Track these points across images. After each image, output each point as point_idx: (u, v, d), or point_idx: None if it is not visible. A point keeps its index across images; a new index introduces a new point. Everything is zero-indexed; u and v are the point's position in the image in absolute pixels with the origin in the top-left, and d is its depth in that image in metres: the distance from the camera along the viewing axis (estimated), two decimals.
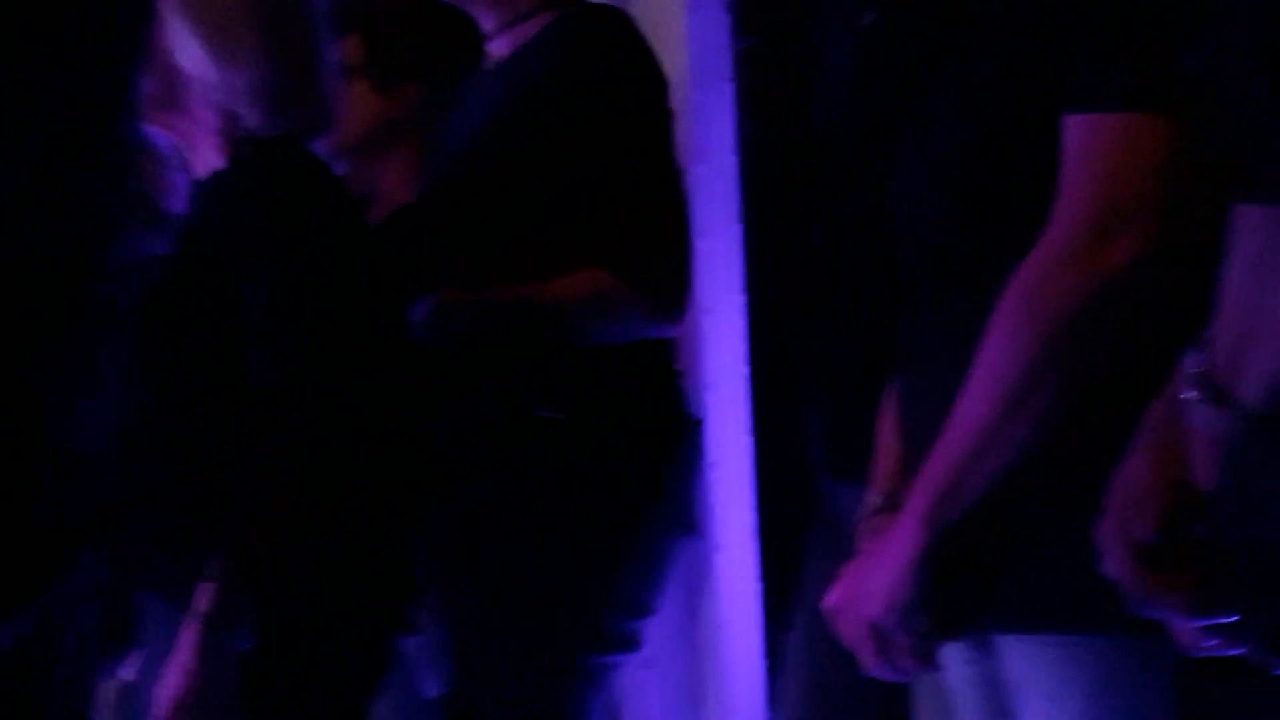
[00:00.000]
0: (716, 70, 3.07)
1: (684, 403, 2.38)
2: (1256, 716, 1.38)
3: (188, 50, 1.98)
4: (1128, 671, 1.41)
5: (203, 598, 1.81)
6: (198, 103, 1.98)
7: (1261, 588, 1.07)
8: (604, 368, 2.13)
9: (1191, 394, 1.15)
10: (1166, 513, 1.22)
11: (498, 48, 2.23)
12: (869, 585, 1.49)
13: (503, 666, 2.12)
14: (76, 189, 1.14)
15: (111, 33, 1.13)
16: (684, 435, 2.29)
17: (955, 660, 1.56)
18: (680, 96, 3.10)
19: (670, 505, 2.23)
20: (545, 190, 2.08)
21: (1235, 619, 1.18)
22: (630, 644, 2.19)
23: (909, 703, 2.01)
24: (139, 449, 1.89)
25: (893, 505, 1.58)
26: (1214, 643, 1.24)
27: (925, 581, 1.44)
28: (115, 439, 1.53)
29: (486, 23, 2.23)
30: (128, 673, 2.03)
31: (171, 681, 1.79)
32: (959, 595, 1.46)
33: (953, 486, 1.45)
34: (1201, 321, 1.14)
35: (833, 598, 1.56)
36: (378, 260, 1.96)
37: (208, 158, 2.01)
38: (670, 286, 2.12)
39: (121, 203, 1.17)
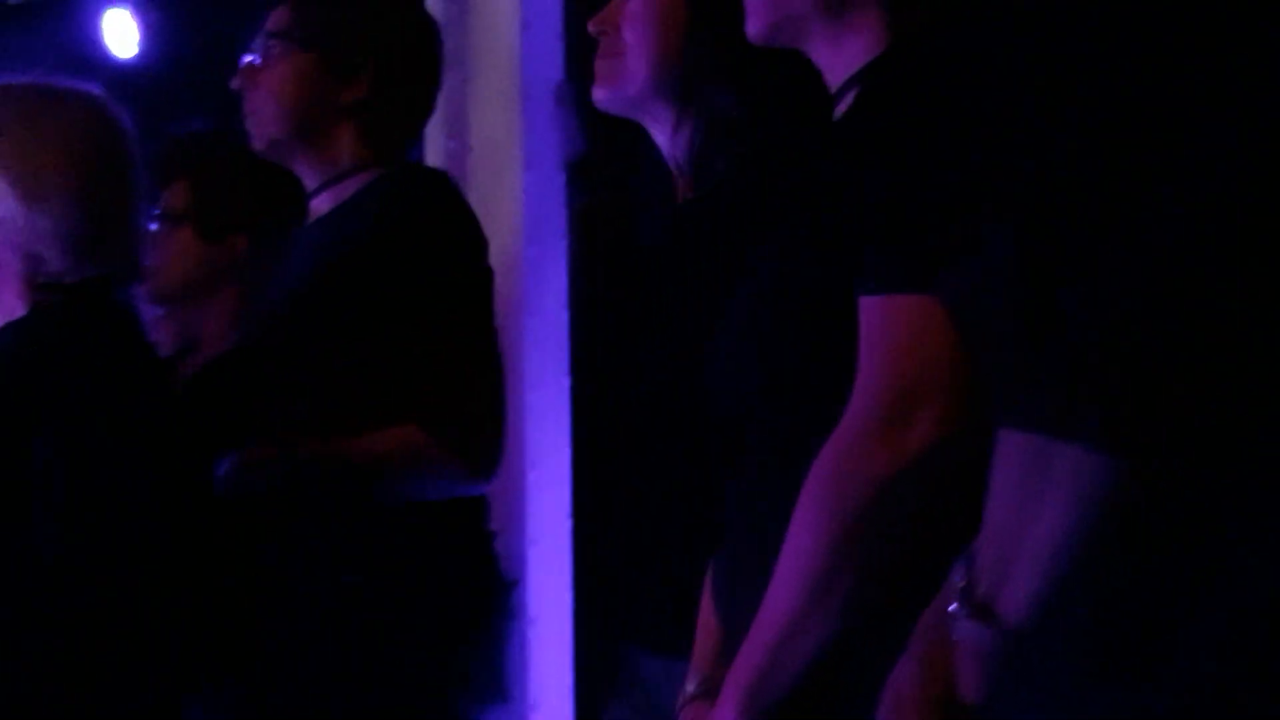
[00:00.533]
0: (551, 226, 3.11)
1: (495, 564, 2.36)
2: None
3: None
4: None
5: None
6: (1, 245, 1.94)
7: None
8: (412, 527, 2.12)
9: (955, 607, 1.16)
10: None
11: (319, 205, 2.24)
12: None
13: None
14: None
15: None
16: (494, 598, 2.27)
17: None
18: (514, 251, 3.14)
19: (479, 672, 2.21)
20: (359, 346, 2.08)
21: None
22: None
23: None
24: None
25: (710, 691, 1.58)
26: None
27: None
28: None
29: (309, 180, 2.24)
30: None
31: None
32: None
33: (767, 672, 1.46)
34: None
35: None
36: (179, 416, 1.94)
37: (9, 303, 1.96)
38: (482, 444, 2.12)
39: None
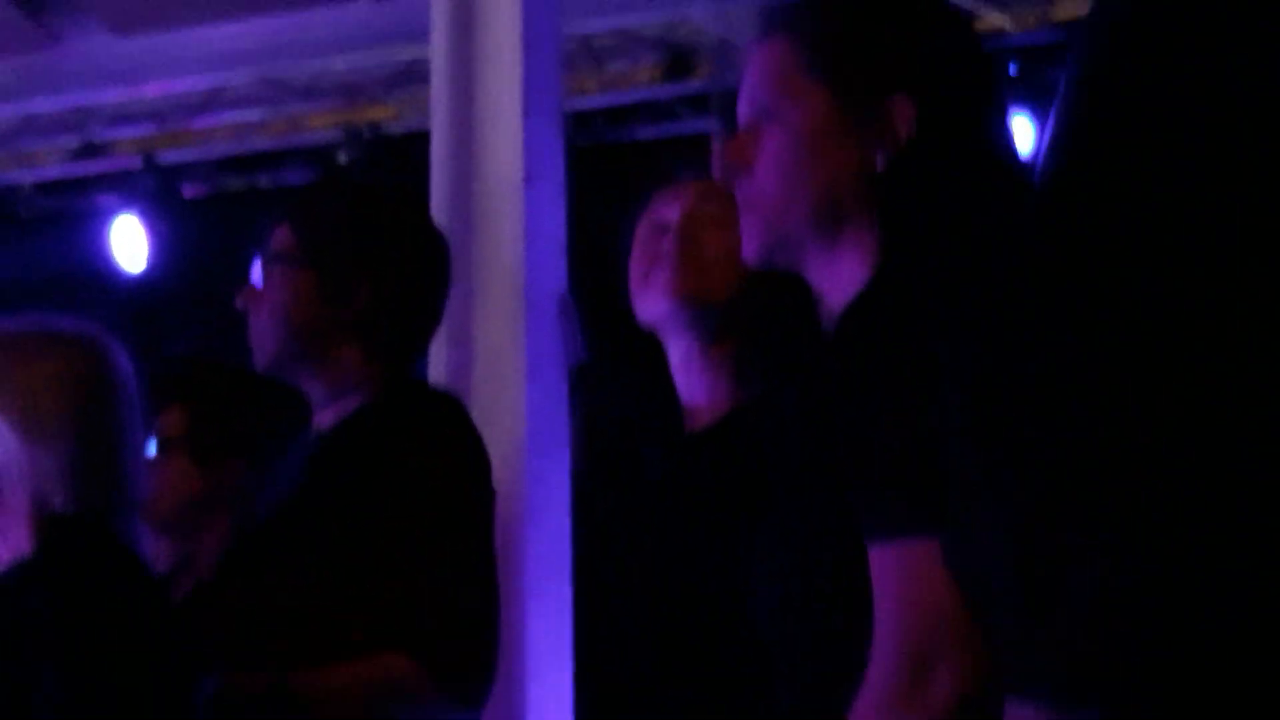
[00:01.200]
0: (554, 437, 3.12)
1: None
2: None
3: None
4: None
5: None
6: (8, 486, 1.96)
7: None
8: None
9: None
10: None
11: (323, 419, 2.23)
12: None
13: None
14: None
15: None
16: None
17: None
18: (516, 462, 3.15)
19: None
20: (350, 567, 2.05)
21: None
22: None
23: None
24: None
25: None
26: None
27: None
28: None
29: (314, 395, 2.24)
30: None
31: None
32: None
33: None
34: None
35: None
36: (176, 646, 1.92)
37: (16, 539, 1.99)
38: (472, 675, 2.07)
39: None
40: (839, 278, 1.63)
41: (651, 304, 2.16)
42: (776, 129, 1.65)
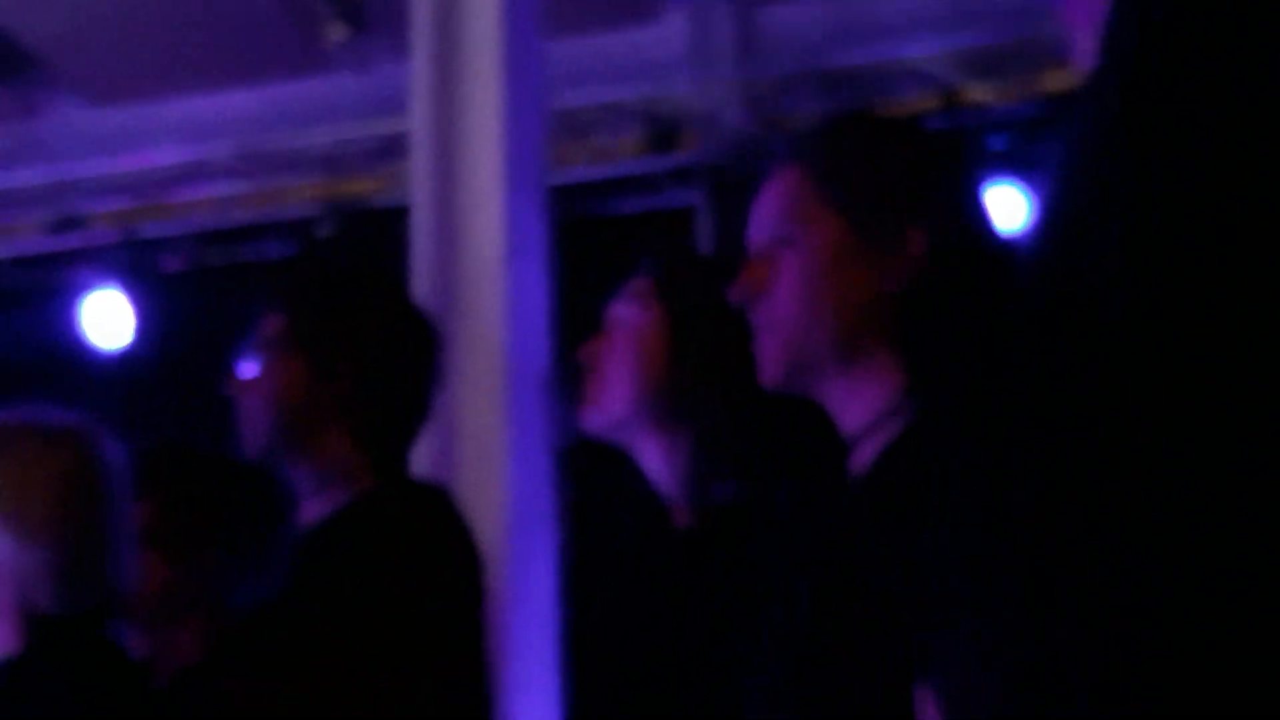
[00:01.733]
0: (538, 517, 3.07)
1: None
2: None
3: None
4: None
5: None
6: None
7: None
8: None
9: None
10: None
11: (310, 511, 2.17)
12: None
13: None
14: None
15: None
16: None
17: None
18: (501, 543, 3.09)
19: None
20: (331, 666, 1.99)
21: None
22: None
23: None
24: None
25: None
26: None
27: None
28: None
29: (302, 482, 2.18)
30: None
31: None
32: None
33: None
34: None
35: None
36: None
37: (4, 636, 1.95)
38: None
39: None
40: (857, 403, 1.66)
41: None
42: (793, 255, 1.70)
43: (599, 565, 2.30)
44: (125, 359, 5.21)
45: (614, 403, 2.06)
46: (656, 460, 2.05)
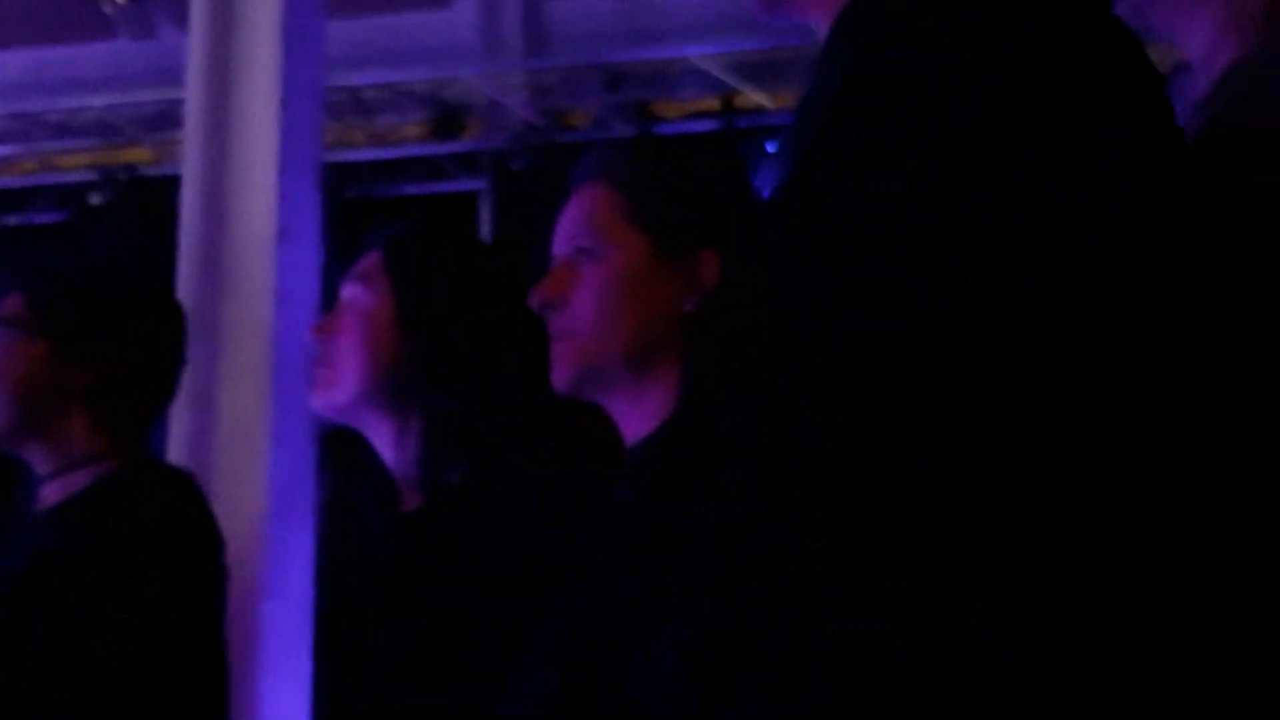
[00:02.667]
0: (297, 506, 3.03)
1: None
2: None
3: None
4: None
5: None
6: None
7: None
8: None
9: None
10: None
11: (49, 494, 2.12)
12: None
13: None
14: None
15: None
16: None
17: None
18: (258, 531, 3.05)
19: None
20: (69, 656, 1.94)
21: None
22: None
23: None
24: None
25: None
26: None
27: None
28: None
29: (39, 465, 2.13)
30: None
31: None
32: None
33: None
34: None
35: None
36: None
37: None
38: None
39: None
40: (641, 415, 1.71)
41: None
42: (595, 268, 1.76)
43: (338, 549, 2.28)
44: None
45: (342, 386, 2.04)
46: (387, 443, 2.04)
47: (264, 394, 3.05)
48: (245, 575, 3.10)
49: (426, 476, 1.97)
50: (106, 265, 2.20)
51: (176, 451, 3.08)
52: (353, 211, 4.37)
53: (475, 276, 2.06)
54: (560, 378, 1.75)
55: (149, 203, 4.73)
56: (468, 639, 1.90)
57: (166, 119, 4.83)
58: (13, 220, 5.08)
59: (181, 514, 2.05)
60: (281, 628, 3.01)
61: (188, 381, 3.13)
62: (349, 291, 2.09)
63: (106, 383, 2.08)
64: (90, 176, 5.04)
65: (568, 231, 1.79)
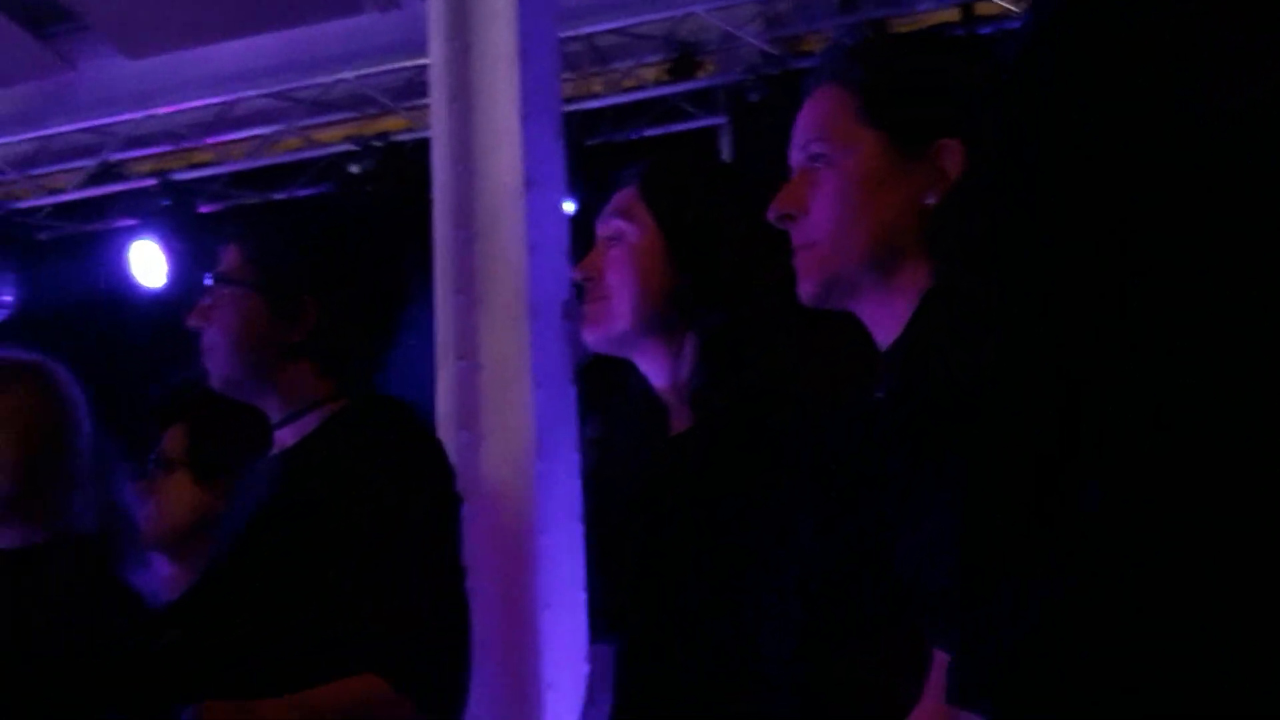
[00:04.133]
0: (562, 442, 3.12)
1: None
2: None
3: None
4: None
5: None
6: None
7: None
8: None
9: None
10: None
11: (284, 437, 2.19)
12: None
13: None
14: None
15: None
16: None
17: None
18: (525, 469, 3.14)
19: None
20: (317, 588, 2.00)
21: None
22: None
23: None
24: None
25: None
26: None
27: None
28: None
29: (273, 413, 2.20)
30: None
31: None
32: None
33: None
34: None
35: None
36: (135, 672, 1.92)
37: None
38: (445, 693, 2.01)
39: None
40: (891, 316, 1.68)
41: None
42: (831, 174, 1.72)
43: (606, 479, 2.32)
44: (165, 298, 5.29)
45: (618, 317, 2.05)
46: (659, 368, 2.05)
47: (522, 337, 3.15)
48: (517, 512, 3.21)
49: (700, 395, 1.99)
50: (319, 215, 2.25)
51: (444, 398, 3.20)
52: (596, 159, 4.44)
53: (730, 197, 2.07)
54: (806, 289, 1.71)
55: (406, 168, 4.89)
56: (741, 551, 1.93)
57: (416, 87, 4.97)
58: (279, 196, 5.31)
59: (411, 443, 2.08)
60: (556, 561, 3.11)
61: (451, 327, 3.25)
62: (609, 228, 2.10)
63: (325, 334, 2.11)
64: (349, 148, 5.24)
65: (800, 139, 1.75)
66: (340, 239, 2.18)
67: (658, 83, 4.81)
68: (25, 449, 1.97)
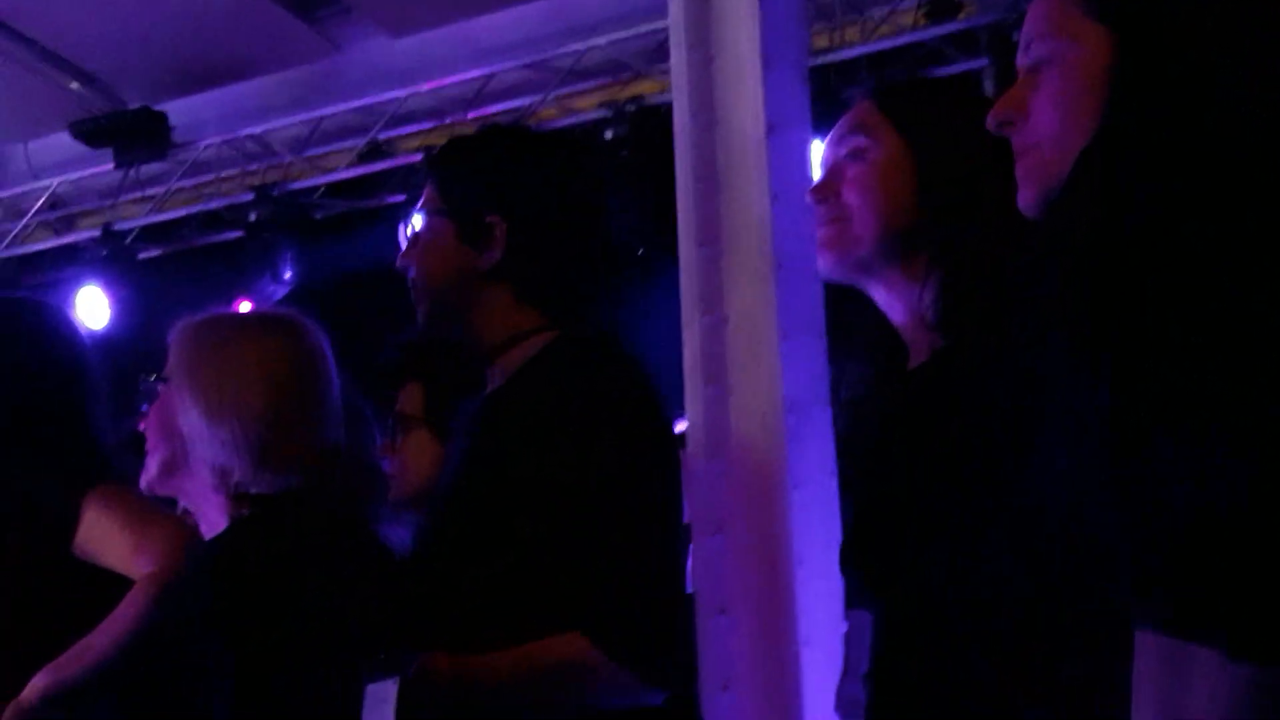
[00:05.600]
0: (812, 393, 3.03)
1: None
2: None
3: (188, 413, 2.02)
4: None
5: None
6: (197, 463, 2.01)
7: None
8: None
9: None
10: None
11: (491, 377, 2.15)
12: None
13: None
14: None
15: None
16: None
17: None
18: (774, 422, 3.06)
19: None
20: (521, 545, 1.94)
21: None
22: None
23: None
24: None
25: None
26: None
27: None
28: None
29: (479, 348, 2.13)
30: None
31: None
32: None
33: None
34: None
35: None
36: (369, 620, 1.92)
37: (213, 518, 2.03)
38: (656, 652, 1.90)
39: None
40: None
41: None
42: (1055, 74, 1.61)
43: (850, 421, 2.21)
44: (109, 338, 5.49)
45: (858, 240, 1.93)
46: (897, 297, 1.92)
47: (768, 289, 3.07)
48: (768, 467, 3.14)
49: (944, 326, 1.86)
50: (501, 140, 2.20)
51: (690, 353, 3.14)
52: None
53: (969, 115, 1.96)
54: (1027, 198, 1.60)
55: (661, 131, 4.85)
56: (995, 499, 1.82)
57: (668, 51, 4.92)
58: None
59: (619, 382, 2.01)
60: (809, 517, 3.02)
61: (696, 280, 3.19)
62: (847, 145, 1.95)
63: (516, 257, 2.06)
64: (603, 114, 5.24)
65: (1024, 41, 1.64)
66: (521, 159, 2.14)
67: (915, 27, 4.67)
68: (276, 396, 1.99)
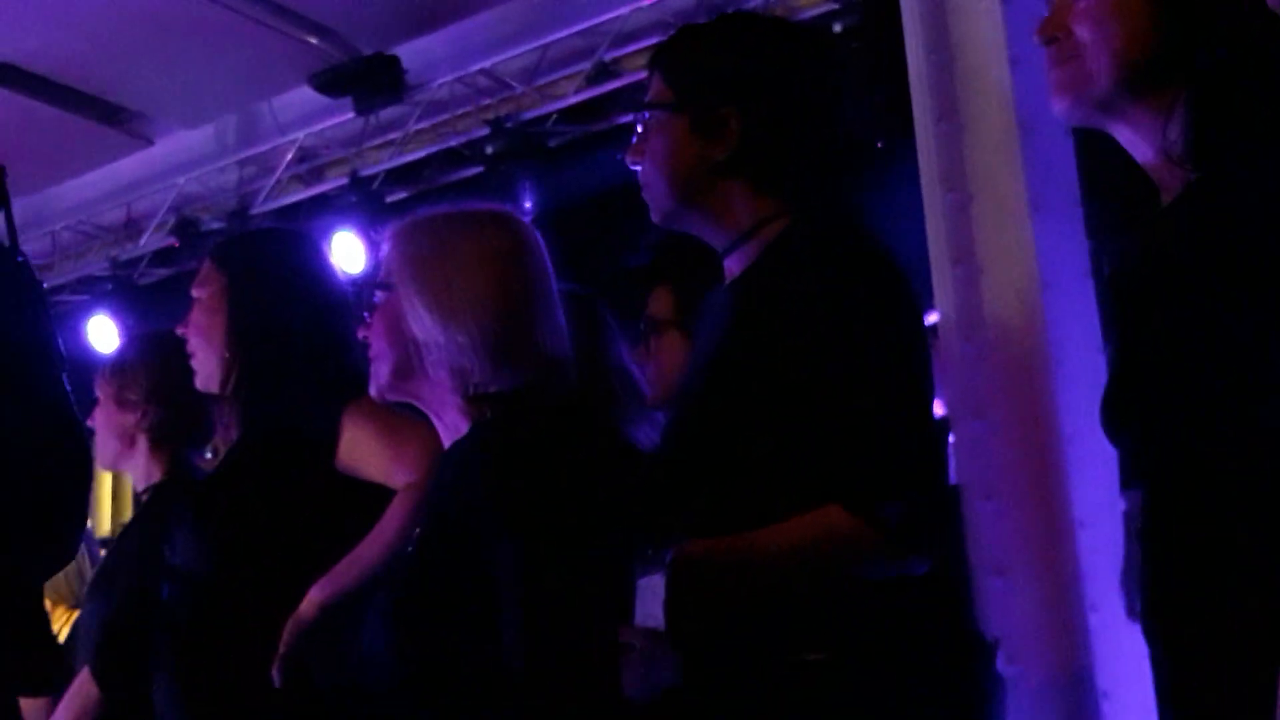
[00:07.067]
0: (1070, 268, 2.88)
1: (970, 622, 2.12)
2: None
3: (419, 318, 1.99)
4: None
5: None
6: (433, 367, 1.99)
7: None
8: (873, 601, 1.89)
9: None
10: None
11: (731, 266, 2.09)
12: None
13: None
14: None
15: None
16: (973, 661, 2.03)
17: None
18: (1030, 300, 2.92)
19: None
20: (776, 420, 1.90)
21: None
22: None
23: None
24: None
25: None
26: None
27: None
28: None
29: (717, 242, 2.10)
30: None
31: None
32: None
33: None
34: None
35: None
36: (622, 508, 1.89)
37: (454, 421, 2.01)
38: (914, 520, 1.84)
39: None
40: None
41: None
42: None
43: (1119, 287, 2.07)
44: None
45: (1097, 77, 1.80)
46: (1143, 135, 1.79)
47: (1014, 160, 2.90)
48: (1026, 345, 2.99)
49: (1195, 158, 1.73)
50: (729, 32, 2.13)
51: (934, 233, 3.00)
52: None
53: None
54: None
55: (889, 22, 4.70)
56: (1256, 333, 1.67)
57: None
58: None
59: (869, 256, 1.93)
60: (1076, 393, 2.85)
61: (936, 160, 3.04)
62: None
63: (751, 146, 2.01)
64: (831, 7, 5.09)
65: None
66: (752, 46, 2.07)
67: None
68: (507, 290, 1.98)
